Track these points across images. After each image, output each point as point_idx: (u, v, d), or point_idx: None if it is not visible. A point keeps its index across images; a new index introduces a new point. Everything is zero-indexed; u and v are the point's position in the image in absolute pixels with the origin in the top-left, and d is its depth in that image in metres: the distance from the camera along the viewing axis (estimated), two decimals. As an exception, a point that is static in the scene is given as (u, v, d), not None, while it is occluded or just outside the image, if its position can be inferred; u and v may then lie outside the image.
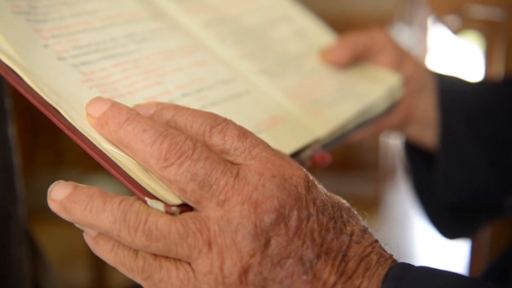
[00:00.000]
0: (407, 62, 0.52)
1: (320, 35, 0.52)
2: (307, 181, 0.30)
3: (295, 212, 0.28)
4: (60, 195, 0.28)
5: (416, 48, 2.93)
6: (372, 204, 2.50)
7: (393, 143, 2.25)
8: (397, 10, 2.73)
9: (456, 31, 0.69)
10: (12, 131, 0.42)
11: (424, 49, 3.13)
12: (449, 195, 0.54)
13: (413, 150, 0.57)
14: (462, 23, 0.68)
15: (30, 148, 2.87)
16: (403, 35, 2.68)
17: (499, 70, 0.67)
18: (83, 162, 2.73)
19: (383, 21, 2.67)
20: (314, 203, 0.29)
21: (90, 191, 0.28)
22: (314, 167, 0.39)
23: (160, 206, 0.28)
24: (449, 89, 0.54)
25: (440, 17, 0.66)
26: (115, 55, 0.36)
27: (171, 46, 0.39)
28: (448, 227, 0.58)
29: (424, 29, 3.06)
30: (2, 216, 0.41)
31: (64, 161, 2.94)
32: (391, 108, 0.51)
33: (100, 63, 0.35)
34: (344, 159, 2.55)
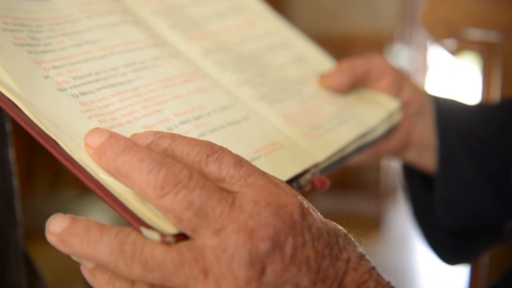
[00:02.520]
0: (406, 87, 0.52)
1: (319, 61, 0.53)
2: (302, 208, 0.30)
3: (290, 240, 0.28)
4: (58, 228, 0.28)
5: (415, 68, 2.94)
6: (373, 223, 2.49)
7: (394, 163, 2.24)
8: (397, 30, 2.75)
9: (453, 52, 0.70)
10: (12, 155, 0.42)
11: (423, 69, 3.15)
12: (448, 220, 0.54)
13: (412, 173, 0.57)
14: (459, 45, 0.68)
15: (28, 169, 2.87)
16: (402, 55, 2.70)
17: (496, 90, 0.67)
18: (81, 183, 2.73)
19: (382, 41, 2.69)
20: (310, 230, 0.29)
21: (87, 223, 0.28)
22: (313, 189, 0.39)
23: (156, 236, 0.28)
24: (447, 113, 0.54)
25: (437, 41, 0.67)
26: (115, 84, 0.36)
27: (171, 74, 0.40)
28: (448, 252, 0.57)
29: (423, 49, 3.09)
30: (1, 240, 0.41)
31: (62, 181, 2.94)
32: (390, 133, 0.51)
33: (100, 93, 0.35)
34: (345, 178, 2.55)
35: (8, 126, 0.42)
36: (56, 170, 2.93)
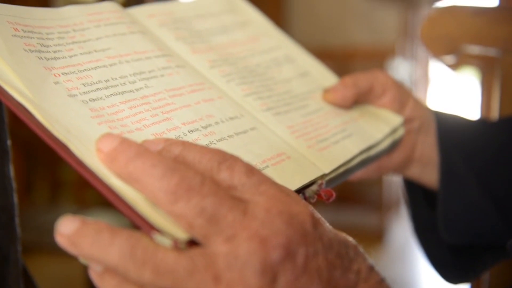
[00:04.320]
0: (408, 103, 0.53)
1: (323, 76, 0.53)
2: (314, 218, 0.30)
3: (302, 249, 0.28)
4: (68, 230, 0.28)
5: (416, 81, 2.95)
6: (376, 236, 2.49)
7: (397, 176, 2.25)
8: (398, 44, 2.77)
9: (453, 67, 0.71)
10: (12, 171, 0.42)
11: (425, 82, 3.16)
12: (450, 237, 0.53)
13: (414, 189, 0.57)
14: (459, 59, 0.69)
15: (26, 183, 2.87)
16: (403, 69, 2.71)
17: (495, 103, 0.68)
18: (80, 197, 2.73)
19: (383, 54, 2.71)
20: (321, 240, 0.29)
21: (98, 225, 0.28)
22: (318, 201, 0.40)
23: (167, 242, 0.28)
24: (449, 129, 0.54)
25: (436, 57, 0.68)
26: (124, 91, 0.36)
27: (179, 83, 0.40)
28: (450, 270, 0.57)
29: (424, 63, 3.10)
30: (1, 257, 0.41)
31: (61, 195, 2.93)
32: (393, 148, 0.51)
33: (109, 100, 0.35)
34: (348, 191, 2.56)
35: (8, 144, 0.41)
36: (55, 184, 2.93)
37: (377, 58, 2.72)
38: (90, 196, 2.61)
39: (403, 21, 2.84)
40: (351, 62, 2.74)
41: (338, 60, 2.69)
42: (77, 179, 2.61)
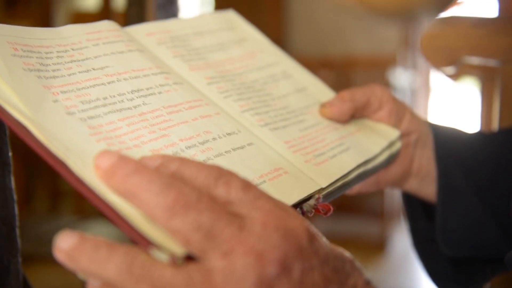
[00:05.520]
0: (405, 117, 0.53)
1: (320, 91, 0.54)
2: (310, 233, 0.30)
3: (298, 264, 0.28)
4: (67, 245, 0.28)
5: (416, 91, 2.96)
6: (377, 245, 2.48)
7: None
8: (399, 53, 2.78)
9: (453, 77, 0.71)
10: (13, 183, 0.43)
11: (425, 92, 3.16)
12: (449, 250, 0.53)
13: (413, 202, 0.57)
14: (459, 70, 0.69)
15: (26, 193, 2.87)
16: (404, 78, 2.71)
17: (495, 112, 0.68)
18: (80, 207, 2.73)
19: (385, 64, 2.71)
20: (317, 255, 0.30)
21: (96, 241, 0.28)
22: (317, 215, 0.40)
23: (164, 257, 0.28)
24: (446, 142, 0.54)
25: (436, 68, 0.68)
26: (122, 109, 0.37)
27: (176, 100, 0.41)
28: (450, 283, 0.57)
29: (425, 72, 3.11)
30: (1, 269, 0.41)
31: (61, 206, 2.93)
32: (390, 162, 0.52)
33: (108, 117, 0.36)
34: (350, 201, 2.55)
35: (10, 157, 0.42)
36: (54, 194, 2.93)
37: (378, 68, 2.72)
38: (90, 206, 2.61)
39: (404, 31, 2.85)
40: (351, 71, 2.75)
41: (339, 69, 2.70)
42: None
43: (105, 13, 2.51)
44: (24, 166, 2.64)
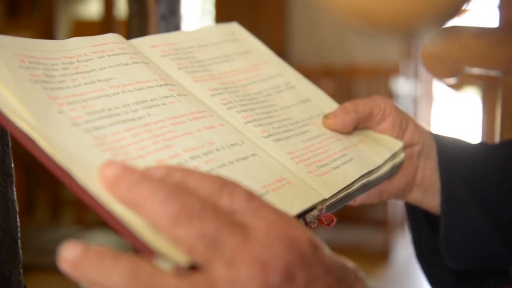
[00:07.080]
0: (408, 128, 0.53)
1: (323, 103, 0.54)
2: (313, 243, 0.30)
3: (302, 273, 0.29)
4: (71, 255, 0.28)
5: (419, 100, 2.96)
6: (381, 254, 2.48)
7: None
8: (401, 62, 2.78)
9: (454, 87, 0.71)
10: (15, 194, 0.43)
11: (428, 101, 3.17)
12: (453, 262, 0.53)
13: (416, 213, 0.57)
14: (460, 79, 0.69)
15: (27, 203, 2.86)
16: (406, 87, 2.72)
17: (497, 122, 0.68)
18: (81, 217, 2.72)
19: (387, 73, 2.72)
20: (320, 264, 0.30)
21: (100, 251, 0.28)
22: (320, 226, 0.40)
23: (168, 266, 0.28)
24: (449, 153, 0.54)
25: (437, 79, 0.68)
26: (127, 120, 0.37)
27: (180, 111, 0.41)
28: None
29: (427, 82, 3.11)
30: (3, 281, 0.41)
31: (63, 215, 2.93)
32: (394, 173, 0.52)
33: (112, 128, 0.36)
34: (353, 210, 2.55)
35: (12, 168, 0.42)
36: (56, 203, 2.93)
37: (380, 77, 2.73)
38: (91, 216, 2.61)
39: (406, 40, 2.86)
40: (353, 81, 2.76)
41: (341, 78, 2.70)
42: (78, 199, 2.61)
43: (107, 22, 2.51)
44: (25, 176, 2.64)
